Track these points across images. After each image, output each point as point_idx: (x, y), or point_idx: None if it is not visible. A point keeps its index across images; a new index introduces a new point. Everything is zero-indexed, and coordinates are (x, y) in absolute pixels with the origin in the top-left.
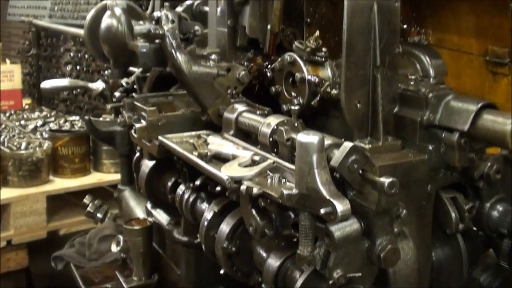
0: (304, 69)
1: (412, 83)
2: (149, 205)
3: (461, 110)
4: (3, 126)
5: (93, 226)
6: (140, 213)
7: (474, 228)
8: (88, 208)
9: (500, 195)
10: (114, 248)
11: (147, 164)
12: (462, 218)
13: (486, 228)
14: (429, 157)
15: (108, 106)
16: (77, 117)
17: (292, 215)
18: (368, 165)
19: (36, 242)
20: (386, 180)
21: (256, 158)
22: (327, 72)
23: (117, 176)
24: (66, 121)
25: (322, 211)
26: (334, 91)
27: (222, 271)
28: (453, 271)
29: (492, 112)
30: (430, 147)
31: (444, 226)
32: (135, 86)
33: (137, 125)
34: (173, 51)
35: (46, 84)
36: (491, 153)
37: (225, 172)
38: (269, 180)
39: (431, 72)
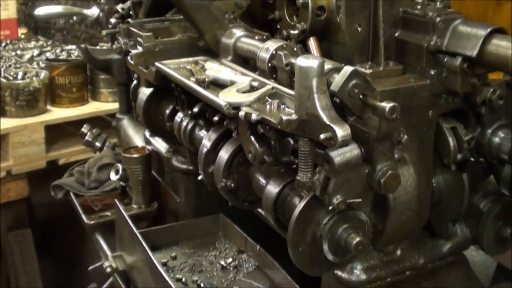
0: None
1: (418, 6)
2: (147, 133)
3: (469, 35)
4: None
5: (92, 156)
6: (138, 141)
7: (472, 159)
8: (87, 137)
9: (502, 121)
10: (113, 176)
11: (145, 92)
12: (460, 149)
13: (488, 154)
14: (431, 83)
15: (104, 32)
16: (74, 47)
17: (291, 141)
18: (368, 89)
19: (36, 172)
20: (387, 105)
21: (255, 84)
22: None
23: (115, 105)
24: (62, 50)
25: (322, 136)
26: (336, 16)
27: (199, 177)
28: (453, 197)
29: (501, 37)
30: (432, 72)
31: (442, 156)
32: (130, 12)
33: (133, 51)
34: None
35: (40, 10)
36: (493, 79)
37: (223, 98)
38: (268, 106)
39: None
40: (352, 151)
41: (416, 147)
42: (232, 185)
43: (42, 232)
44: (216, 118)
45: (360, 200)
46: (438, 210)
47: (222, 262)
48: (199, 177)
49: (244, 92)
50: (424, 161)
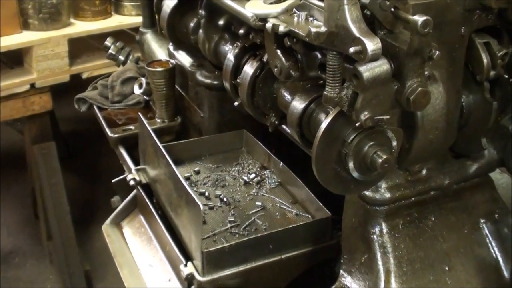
0: None
1: None
2: (171, 47)
3: None
4: None
5: (115, 69)
6: (162, 55)
7: (506, 76)
8: (110, 50)
9: None
10: (137, 90)
11: (169, 4)
12: (494, 65)
13: None
14: None
15: None
16: None
17: (319, 56)
18: (400, 2)
19: (59, 86)
20: (419, 19)
21: None
22: None
23: (138, 19)
24: None
25: (351, 49)
26: None
27: (236, 103)
28: (482, 118)
29: None
30: None
31: (474, 72)
32: None
33: None
34: None
35: None
36: None
37: (250, 9)
38: (295, 18)
39: None
40: (382, 66)
41: (447, 64)
42: (256, 100)
43: (66, 145)
44: (241, 31)
45: (387, 117)
46: (466, 130)
47: (245, 178)
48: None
49: (271, 3)
50: (454, 79)
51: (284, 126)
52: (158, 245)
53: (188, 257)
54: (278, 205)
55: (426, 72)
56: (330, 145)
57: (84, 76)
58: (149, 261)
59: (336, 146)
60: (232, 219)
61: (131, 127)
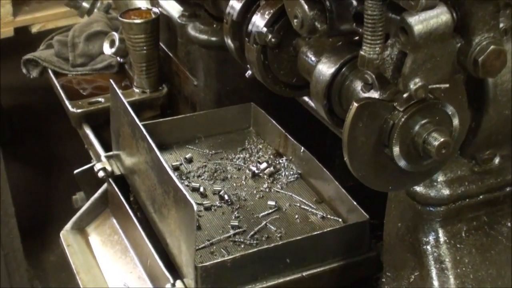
0: None
1: None
2: None
3: None
4: None
5: (78, 21)
6: (142, 2)
7: None
8: None
9: None
10: (107, 49)
11: None
12: None
13: None
14: None
15: None
16: None
17: (354, 3)
18: None
19: (1, 44)
20: None
21: None
22: None
23: None
24: None
25: None
26: None
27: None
28: None
29: None
30: None
31: None
32: None
33: None
34: None
35: None
36: None
37: None
38: None
39: None
40: (440, 16)
41: None
42: (270, 63)
43: (9, 124)
44: None
45: (447, 85)
46: None
47: (254, 168)
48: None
49: None
50: None
51: (306, 99)
52: (136, 258)
53: (176, 274)
54: (298, 205)
55: (501, 25)
56: (368, 124)
57: (34, 30)
58: (124, 279)
59: (376, 125)
60: (236, 224)
61: (100, 99)
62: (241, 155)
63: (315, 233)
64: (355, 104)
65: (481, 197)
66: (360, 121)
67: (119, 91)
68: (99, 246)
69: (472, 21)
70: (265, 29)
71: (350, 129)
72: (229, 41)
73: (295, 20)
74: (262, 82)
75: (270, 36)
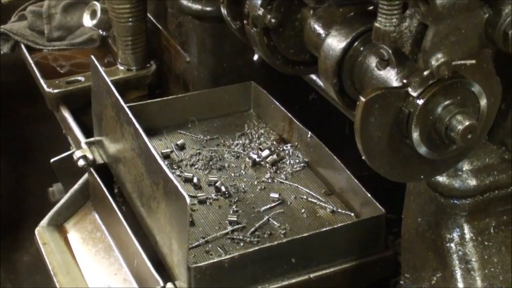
0: None
1: None
2: None
3: None
4: None
5: None
6: None
7: None
8: None
9: None
10: (88, 21)
11: None
12: None
13: None
14: None
15: None
16: None
17: None
18: None
19: None
20: None
21: None
22: None
23: None
24: None
25: None
26: None
27: (255, 57)
28: None
29: None
30: None
31: None
32: None
33: None
34: None
35: None
36: None
37: None
38: None
39: None
40: None
41: None
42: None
43: None
44: None
45: (473, 61)
46: None
47: (254, 156)
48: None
49: None
50: None
51: (313, 77)
52: (121, 258)
53: (167, 276)
54: (305, 197)
55: None
56: (380, 118)
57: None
58: (107, 282)
59: (390, 116)
60: (235, 219)
61: (80, 78)
62: (240, 141)
63: (324, 229)
64: (362, 99)
65: (511, 188)
66: (371, 116)
67: (101, 69)
68: (79, 244)
69: None
70: (262, 11)
71: (361, 126)
72: (226, 12)
73: None
74: (264, 58)
75: (269, 17)
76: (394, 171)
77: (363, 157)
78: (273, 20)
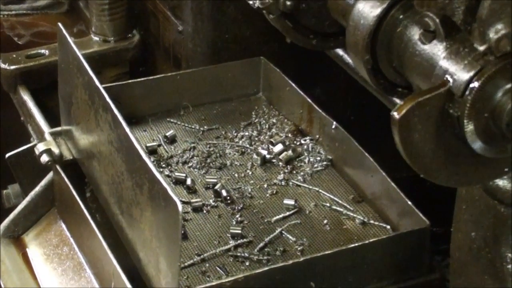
0: None
1: None
2: None
3: None
4: None
5: None
6: None
7: None
8: None
9: None
10: None
11: None
12: None
13: None
14: None
15: None
16: None
17: None
18: None
19: None
20: None
21: None
22: None
23: None
24: None
25: None
26: None
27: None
28: None
29: None
30: None
31: None
32: None
33: None
34: None
35: None
36: None
37: None
38: None
39: None
40: None
41: None
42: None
43: None
44: None
45: None
46: None
47: (264, 152)
48: None
49: None
50: None
51: (340, 52)
52: (94, 279)
53: None
54: (328, 204)
55: None
56: (424, 116)
57: None
58: None
59: (435, 111)
60: (239, 231)
61: (43, 51)
62: (246, 133)
63: (352, 245)
64: (395, 117)
65: None
66: (413, 133)
67: (70, 40)
68: (41, 261)
69: None
70: None
71: (405, 147)
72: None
73: None
74: (277, 27)
75: (282, 1)
76: (441, 173)
77: (397, 142)
78: (288, 3)
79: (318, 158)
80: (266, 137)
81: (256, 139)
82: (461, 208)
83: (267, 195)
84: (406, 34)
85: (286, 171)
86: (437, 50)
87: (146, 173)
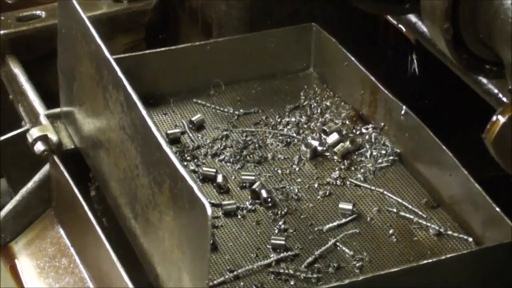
0: None
1: None
2: None
3: None
4: None
5: None
6: None
7: None
8: None
9: None
10: None
11: None
12: None
13: None
14: None
15: None
16: None
17: None
18: None
19: None
20: None
21: None
22: None
23: None
24: None
25: None
26: None
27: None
28: None
29: None
30: None
31: None
32: None
33: None
34: None
35: None
36: None
37: None
38: None
39: None
40: None
41: None
42: None
43: None
44: None
45: None
46: None
47: (315, 143)
48: None
49: None
50: None
51: (413, 19)
52: None
53: None
54: (395, 210)
55: None
56: None
57: None
58: None
59: None
60: (282, 242)
61: (39, 12)
62: (293, 119)
63: (424, 261)
64: (501, 120)
65: None
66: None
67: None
68: (33, 276)
69: None
70: None
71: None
72: None
73: None
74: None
75: None
76: None
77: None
78: None
79: (383, 152)
80: (318, 124)
81: (305, 126)
82: None
83: (318, 197)
84: None
85: (342, 167)
86: None
87: (167, 167)
